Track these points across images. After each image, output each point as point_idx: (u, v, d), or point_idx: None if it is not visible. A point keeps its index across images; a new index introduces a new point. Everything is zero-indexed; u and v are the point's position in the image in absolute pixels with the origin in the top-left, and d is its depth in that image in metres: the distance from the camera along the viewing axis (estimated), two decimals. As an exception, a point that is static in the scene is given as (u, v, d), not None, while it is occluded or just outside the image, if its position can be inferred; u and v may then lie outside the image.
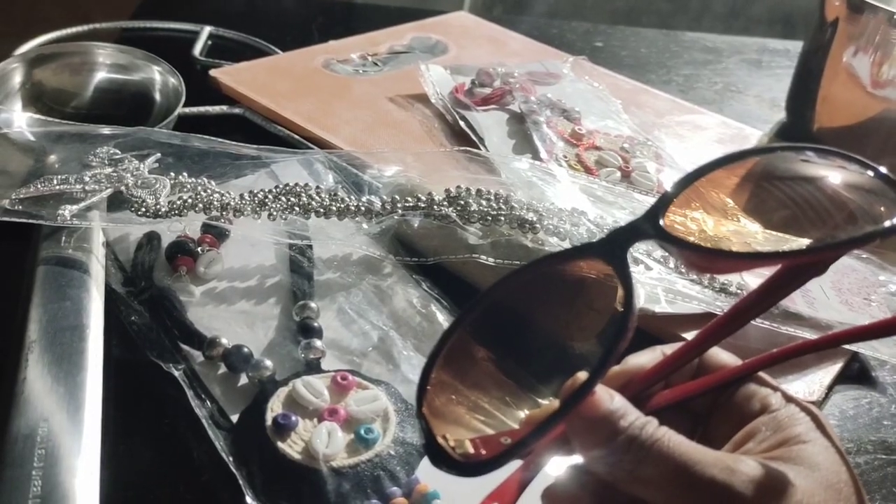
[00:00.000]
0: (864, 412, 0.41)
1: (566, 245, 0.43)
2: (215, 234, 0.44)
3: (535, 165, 0.49)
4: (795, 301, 0.44)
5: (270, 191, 0.43)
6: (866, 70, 0.61)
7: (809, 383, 0.40)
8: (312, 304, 0.40)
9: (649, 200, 0.49)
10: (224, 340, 0.38)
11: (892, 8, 0.60)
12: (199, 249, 0.43)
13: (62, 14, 0.73)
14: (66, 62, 0.55)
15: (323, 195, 0.43)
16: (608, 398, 0.25)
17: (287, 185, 0.44)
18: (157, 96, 0.55)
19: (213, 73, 0.62)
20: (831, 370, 0.41)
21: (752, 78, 0.79)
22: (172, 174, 0.44)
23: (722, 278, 0.43)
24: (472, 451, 0.25)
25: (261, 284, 0.43)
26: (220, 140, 0.47)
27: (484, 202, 0.44)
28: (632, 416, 0.24)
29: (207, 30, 0.71)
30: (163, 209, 0.41)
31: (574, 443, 0.25)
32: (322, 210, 0.43)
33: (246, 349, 0.37)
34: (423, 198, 0.44)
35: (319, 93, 0.61)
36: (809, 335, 0.42)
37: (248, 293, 0.42)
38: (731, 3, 1.51)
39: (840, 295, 0.45)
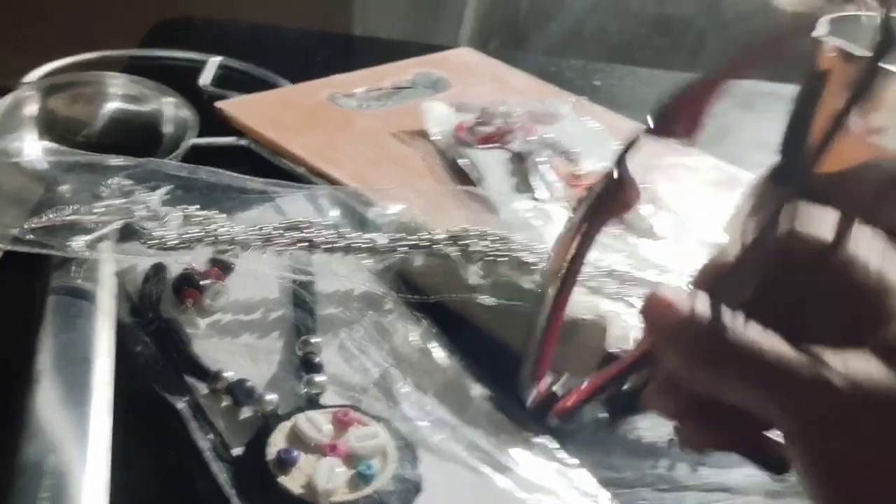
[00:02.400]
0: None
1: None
2: (221, 266, 0.45)
3: (535, 206, 0.51)
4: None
5: (277, 226, 0.44)
6: (858, 118, 0.63)
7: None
8: (314, 340, 0.41)
9: (644, 243, 0.51)
10: (228, 374, 0.38)
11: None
12: (205, 282, 0.44)
13: (69, 41, 0.75)
14: (78, 91, 0.57)
15: (328, 231, 0.44)
16: (691, 299, 0.24)
17: (293, 220, 0.45)
18: (168, 128, 0.57)
19: (219, 104, 0.63)
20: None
21: (745, 120, 0.81)
22: (182, 207, 0.45)
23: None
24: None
25: (264, 318, 0.44)
26: (228, 173, 0.48)
27: (485, 243, 0.45)
28: (718, 313, 0.23)
29: (214, 60, 0.72)
30: (172, 242, 0.42)
31: (665, 351, 0.25)
32: (327, 246, 0.44)
33: (249, 383, 0.38)
34: (426, 236, 0.45)
35: (324, 126, 0.63)
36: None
37: (251, 326, 0.43)
38: (726, 40, 1.53)
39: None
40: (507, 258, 0.44)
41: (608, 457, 0.40)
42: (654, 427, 0.42)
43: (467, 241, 0.45)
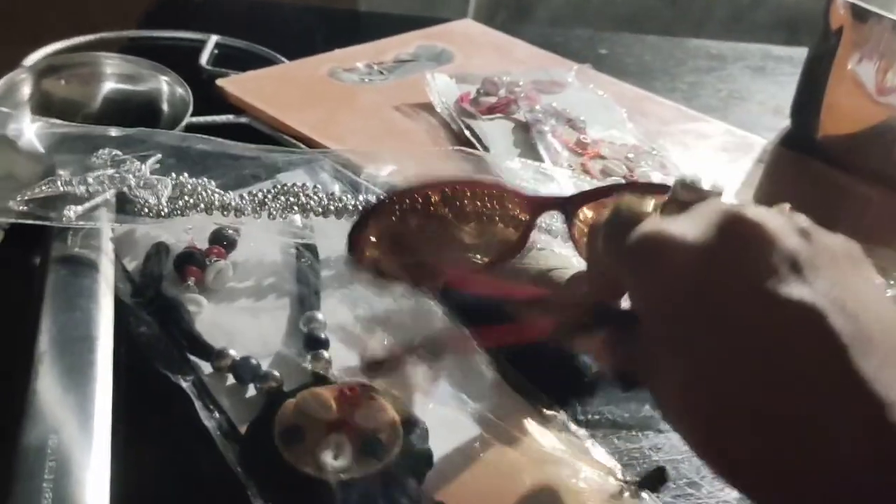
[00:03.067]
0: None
1: (558, 241, 0.43)
2: (223, 244, 0.44)
3: (526, 164, 0.50)
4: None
5: (269, 190, 0.44)
6: (871, 77, 0.61)
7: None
8: (319, 316, 0.41)
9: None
10: (232, 352, 0.38)
11: (897, 16, 0.60)
12: (207, 260, 0.43)
13: (67, 23, 0.74)
14: (74, 72, 0.56)
15: (321, 195, 0.44)
16: None
17: (285, 184, 0.44)
18: (165, 106, 0.56)
19: (219, 82, 0.62)
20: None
21: (757, 85, 0.80)
22: (174, 175, 0.44)
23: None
24: None
25: (268, 295, 0.43)
26: (220, 140, 0.48)
27: (478, 202, 0.44)
28: None
29: (214, 39, 0.71)
30: (165, 209, 0.42)
31: None
32: (320, 209, 0.43)
33: (254, 360, 0.38)
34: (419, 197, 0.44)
35: (325, 102, 0.62)
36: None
37: (255, 304, 0.42)
38: (733, 8, 1.51)
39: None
40: (500, 216, 0.43)
41: (620, 428, 0.39)
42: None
43: (460, 200, 0.44)
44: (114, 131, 0.47)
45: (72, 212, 0.41)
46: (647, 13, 1.52)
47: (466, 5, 1.42)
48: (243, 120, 0.60)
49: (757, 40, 0.97)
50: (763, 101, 0.76)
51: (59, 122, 0.47)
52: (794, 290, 0.23)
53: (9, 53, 0.66)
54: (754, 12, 1.51)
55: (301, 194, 0.43)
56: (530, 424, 0.37)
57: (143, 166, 0.44)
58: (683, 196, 0.28)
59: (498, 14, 1.49)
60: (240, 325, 0.41)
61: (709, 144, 0.64)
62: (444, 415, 0.37)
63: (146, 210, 0.42)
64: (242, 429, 0.35)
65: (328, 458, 0.33)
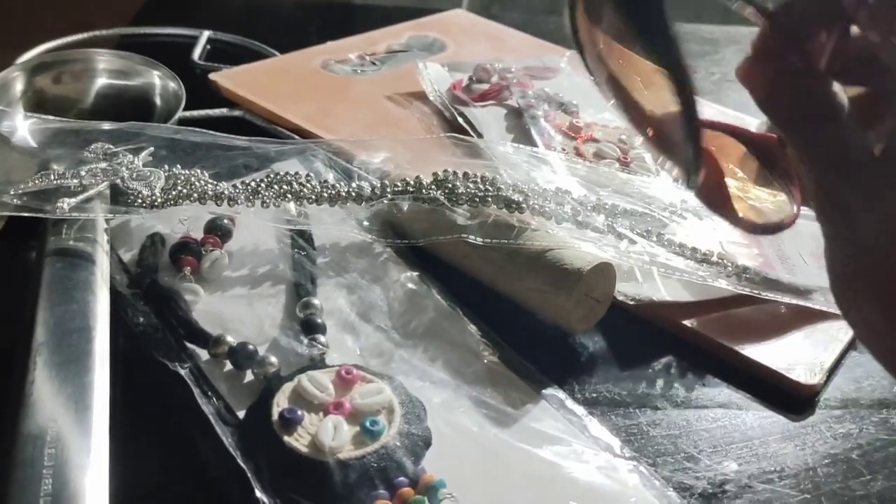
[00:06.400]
0: (867, 394, 0.41)
1: (551, 224, 0.43)
2: (219, 234, 0.44)
3: (519, 149, 0.50)
4: (775, 267, 0.45)
5: (262, 180, 0.44)
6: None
7: (810, 366, 0.41)
8: (315, 301, 0.41)
9: (635, 179, 0.50)
10: (229, 338, 0.38)
11: None
12: (202, 249, 0.43)
13: (62, 22, 0.74)
14: (66, 69, 0.56)
15: (314, 182, 0.44)
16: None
17: (278, 173, 0.44)
18: (158, 101, 0.56)
19: (212, 76, 0.62)
20: (833, 352, 0.42)
21: (750, 67, 0.79)
22: (166, 166, 0.44)
23: (703, 248, 0.44)
24: None
25: (264, 283, 0.43)
26: (212, 133, 0.48)
27: (471, 185, 0.44)
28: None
29: (206, 34, 0.72)
30: (158, 200, 0.42)
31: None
32: (314, 197, 0.43)
33: (251, 346, 0.38)
34: (412, 182, 0.44)
35: (318, 94, 0.62)
36: (790, 300, 0.43)
37: (251, 291, 0.42)
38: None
39: (818, 261, 0.46)
40: (493, 198, 0.43)
41: (617, 406, 0.39)
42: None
43: (453, 184, 0.44)
44: (106, 125, 0.47)
45: (65, 203, 0.41)
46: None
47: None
48: (237, 113, 0.60)
49: (755, 23, 0.97)
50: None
51: (52, 118, 0.47)
52: None
53: (4, 54, 0.66)
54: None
55: (294, 182, 0.43)
56: (528, 403, 0.37)
57: (136, 159, 0.44)
58: None
59: (493, 3, 1.49)
60: (236, 312, 0.41)
61: (702, 126, 0.64)
62: (443, 396, 0.37)
63: (139, 201, 0.42)
64: (241, 413, 0.36)
65: (326, 439, 0.33)
